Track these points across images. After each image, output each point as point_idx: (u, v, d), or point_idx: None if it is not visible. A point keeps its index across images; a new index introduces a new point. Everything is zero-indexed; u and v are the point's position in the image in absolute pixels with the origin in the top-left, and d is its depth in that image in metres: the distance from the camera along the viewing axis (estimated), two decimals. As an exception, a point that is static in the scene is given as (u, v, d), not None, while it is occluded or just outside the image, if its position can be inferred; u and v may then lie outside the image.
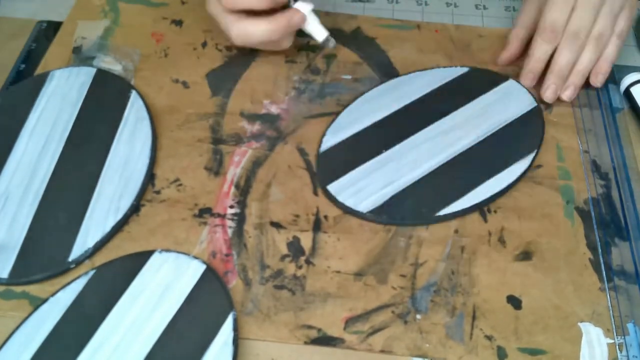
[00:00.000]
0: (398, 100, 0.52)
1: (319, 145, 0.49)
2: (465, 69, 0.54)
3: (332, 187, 0.47)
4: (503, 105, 0.52)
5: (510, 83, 0.53)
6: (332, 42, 0.52)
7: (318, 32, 0.51)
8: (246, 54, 0.56)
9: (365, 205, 0.46)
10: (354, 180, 0.47)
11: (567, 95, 0.52)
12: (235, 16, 0.50)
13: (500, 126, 0.50)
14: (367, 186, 0.47)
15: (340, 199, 0.46)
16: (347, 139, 0.50)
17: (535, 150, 0.49)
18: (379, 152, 0.49)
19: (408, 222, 0.46)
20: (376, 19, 0.59)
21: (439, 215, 0.46)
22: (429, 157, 0.48)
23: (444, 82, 0.53)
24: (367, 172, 0.48)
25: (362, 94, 0.53)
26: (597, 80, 0.53)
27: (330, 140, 0.50)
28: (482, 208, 0.47)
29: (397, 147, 0.49)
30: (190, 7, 0.60)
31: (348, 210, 0.46)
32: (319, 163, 0.49)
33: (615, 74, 0.55)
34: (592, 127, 0.52)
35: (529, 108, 0.51)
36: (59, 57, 0.55)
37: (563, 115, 0.52)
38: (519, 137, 0.50)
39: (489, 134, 0.50)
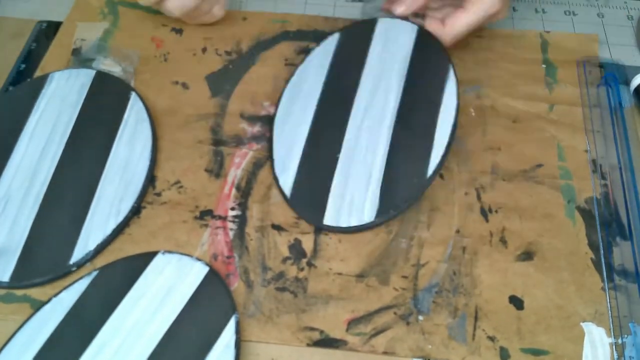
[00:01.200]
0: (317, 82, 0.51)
1: (280, 190, 0.47)
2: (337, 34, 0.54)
3: (328, 220, 0.45)
4: (395, 43, 0.52)
5: (381, 22, 0.53)
6: None
7: None
8: (246, 58, 0.56)
9: (367, 215, 0.45)
10: (338, 201, 0.46)
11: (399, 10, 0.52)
12: None
13: (408, 64, 0.50)
14: (352, 198, 0.46)
15: (343, 224, 0.45)
16: (301, 163, 0.47)
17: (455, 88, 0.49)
18: (335, 160, 0.47)
19: (407, 206, 0.46)
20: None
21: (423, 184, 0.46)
22: (377, 137, 0.47)
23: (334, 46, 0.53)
24: (342, 186, 0.46)
25: None
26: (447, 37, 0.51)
27: (285, 176, 0.47)
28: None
29: (345, 142, 0.48)
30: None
31: (355, 230, 0.45)
32: (295, 205, 0.46)
33: (626, 74, 0.55)
34: (599, 126, 0.52)
35: (415, 34, 0.52)
36: (58, 58, 0.55)
37: (563, 114, 0.52)
38: (428, 72, 0.50)
39: (405, 74, 0.50)
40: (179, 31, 0.58)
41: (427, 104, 0.48)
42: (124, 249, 0.44)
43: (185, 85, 0.54)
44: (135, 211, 0.46)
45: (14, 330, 0.40)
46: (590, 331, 0.41)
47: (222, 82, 0.54)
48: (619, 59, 0.56)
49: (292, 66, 0.55)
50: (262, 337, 0.41)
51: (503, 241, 0.45)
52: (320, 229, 0.45)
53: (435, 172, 0.46)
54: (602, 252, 0.45)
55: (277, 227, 0.45)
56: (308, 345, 0.40)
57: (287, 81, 0.52)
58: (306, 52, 0.55)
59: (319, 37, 0.56)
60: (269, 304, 0.42)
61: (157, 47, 0.56)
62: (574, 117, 0.52)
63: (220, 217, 0.46)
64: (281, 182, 0.47)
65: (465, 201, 0.47)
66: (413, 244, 0.45)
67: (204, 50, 0.56)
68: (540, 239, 0.45)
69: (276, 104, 0.51)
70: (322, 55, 0.53)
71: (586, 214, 0.47)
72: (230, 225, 0.46)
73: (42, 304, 0.41)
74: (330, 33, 0.54)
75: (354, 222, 0.45)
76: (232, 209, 0.46)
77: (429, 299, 0.42)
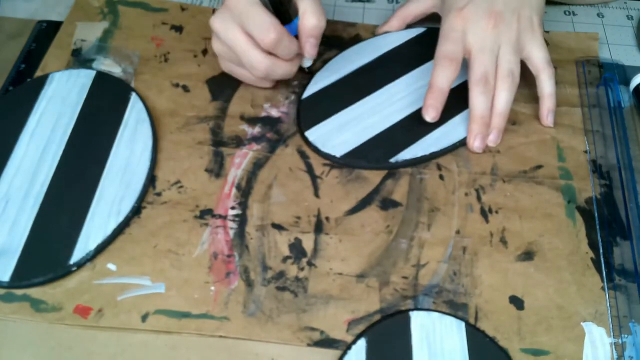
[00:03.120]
0: (373, 52, 0.56)
1: (301, 93, 0.53)
2: (426, 28, 0.58)
3: (311, 134, 0.50)
4: None
5: None
6: (311, 68, 0.55)
7: (307, 63, 0.54)
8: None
9: (339, 150, 0.49)
10: (330, 128, 0.50)
11: (491, 140, 0.50)
12: (264, 53, 0.48)
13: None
14: (342, 134, 0.50)
15: (319, 146, 0.49)
16: (327, 87, 0.53)
17: None
18: (353, 101, 0.52)
19: (369, 167, 0.49)
20: (374, 26, 0.59)
21: (393, 162, 0.49)
22: (400, 107, 0.52)
23: (412, 36, 0.58)
24: (344, 120, 0.51)
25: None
26: (548, 121, 0.51)
27: (312, 88, 0.53)
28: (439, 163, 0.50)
29: (371, 96, 0.53)
30: (190, 13, 0.59)
31: (323, 155, 0.49)
32: (300, 109, 0.52)
33: (626, 74, 0.55)
34: (598, 126, 0.52)
35: None
36: (58, 59, 0.55)
37: (563, 115, 0.52)
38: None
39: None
40: (179, 29, 0.58)
41: None
42: (125, 248, 0.44)
43: (185, 88, 0.54)
44: (136, 211, 0.46)
45: (13, 329, 0.40)
46: (590, 331, 0.41)
47: (222, 86, 0.54)
48: (619, 59, 0.56)
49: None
50: (262, 337, 0.41)
51: (503, 241, 0.45)
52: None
53: (408, 163, 0.49)
54: (602, 252, 0.45)
55: (278, 227, 0.45)
56: (308, 345, 0.40)
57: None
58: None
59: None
60: (269, 304, 0.42)
61: (157, 47, 0.56)
62: (573, 118, 0.52)
63: (220, 216, 0.46)
64: (307, 88, 0.53)
65: (465, 202, 0.47)
66: (413, 244, 0.45)
67: (204, 52, 0.56)
68: (541, 239, 0.45)
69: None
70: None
71: (586, 214, 0.47)
72: (231, 224, 0.46)
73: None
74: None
75: (326, 150, 0.49)
76: (232, 208, 0.46)
77: (429, 300, 0.42)
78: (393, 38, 0.57)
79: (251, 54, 0.48)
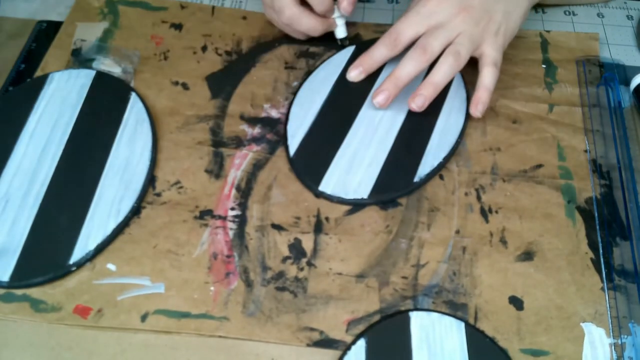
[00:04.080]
0: (332, 76, 0.54)
1: (287, 148, 0.50)
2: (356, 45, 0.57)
3: (326, 187, 0.47)
4: None
5: None
6: (347, 42, 0.56)
7: (341, 33, 0.56)
8: (246, 59, 0.56)
9: (363, 191, 0.47)
10: (338, 173, 0.48)
11: (415, 103, 0.49)
12: (295, 2, 0.52)
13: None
14: (354, 175, 0.48)
15: (342, 195, 0.47)
16: (310, 132, 0.50)
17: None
18: (342, 138, 0.50)
19: (403, 194, 0.47)
20: (375, 25, 0.59)
21: (419, 181, 0.48)
22: (386, 130, 0.50)
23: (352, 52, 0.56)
24: (345, 161, 0.49)
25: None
26: (477, 110, 0.50)
27: (294, 139, 0.50)
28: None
29: (354, 127, 0.51)
30: (190, 11, 0.59)
31: (350, 202, 0.47)
32: (295, 165, 0.49)
33: (626, 74, 0.55)
34: (598, 126, 0.52)
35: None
36: (58, 59, 0.55)
37: (563, 114, 0.52)
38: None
39: None
40: (179, 27, 0.58)
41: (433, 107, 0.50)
42: (124, 248, 0.44)
43: (185, 86, 0.54)
44: (135, 211, 0.46)
45: (13, 329, 0.40)
46: (590, 331, 0.41)
47: (222, 83, 0.54)
48: (619, 59, 0.56)
49: (292, 69, 0.55)
50: (262, 337, 0.41)
51: (503, 241, 0.45)
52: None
53: (430, 174, 0.48)
54: (602, 252, 0.45)
55: (277, 227, 0.45)
56: (308, 345, 0.40)
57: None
58: (305, 55, 0.55)
59: (319, 40, 0.56)
60: (268, 304, 0.42)
61: (156, 45, 0.56)
62: (573, 117, 0.52)
63: (220, 217, 0.46)
64: (289, 139, 0.50)
65: (465, 201, 0.47)
66: (413, 244, 0.45)
67: (204, 49, 0.56)
68: (541, 239, 0.45)
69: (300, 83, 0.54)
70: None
71: (586, 214, 0.47)
72: (230, 224, 0.46)
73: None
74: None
75: (350, 196, 0.47)
76: (232, 209, 0.46)
77: (428, 300, 0.42)
78: (340, 58, 0.55)
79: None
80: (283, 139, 0.50)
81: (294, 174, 0.48)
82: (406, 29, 0.50)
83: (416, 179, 0.47)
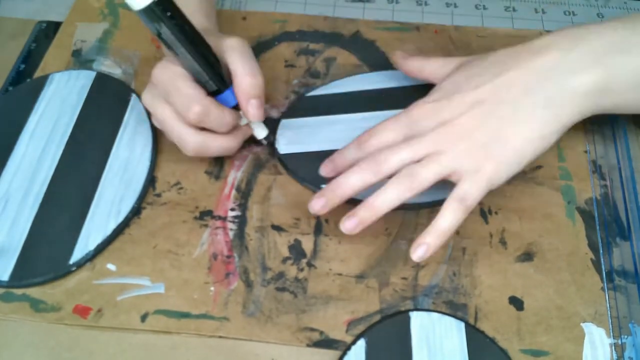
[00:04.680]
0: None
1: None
2: None
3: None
4: None
5: None
6: (271, 137, 0.49)
7: (262, 132, 0.48)
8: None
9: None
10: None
11: (346, 226, 0.42)
12: (194, 129, 0.44)
13: None
14: None
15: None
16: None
17: None
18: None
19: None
20: (375, 22, 0.59)
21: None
22: None
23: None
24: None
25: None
26: (415, 254, 0.40)
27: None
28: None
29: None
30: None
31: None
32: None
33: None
34: (598, 127, 0.52)
35: None
36: (59, 59, 0.55)
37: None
38: None
39: None
40: None
41: None
42: (124, 249, 0.44)
43: (185, 86, 0.54)
44: (136, 211, 0.46)
45: (13, 329, 0.40)
46: (590, 332, 0.41)
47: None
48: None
49: (292, 67, 0.55)
50: (262, 337, 0.41)
51: (503, 242, 0.45)
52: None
53: None
54: (602, 252, 0.45)
55: (277, 228, 0.45)
56: (308, 345, 0.40)
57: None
58: (305, 52, 0.55)
59: (319, 37, 0.56)
60: (268, 304, 0.42)
61: (157, 48, 0.56)
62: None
63: (220, 218, 0.46)
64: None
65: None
66: (413, 244, 0.45)
67: (204, 50, 0.56)
68: (540, 240, 0.45)
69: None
70: None
71: (586, 215, 0.47)
72: (230, 225, 0.46)
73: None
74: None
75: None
76: (232, 209, 0.46)
77: (428, 300, 0.42)
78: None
79: (180, 130, 0.44)
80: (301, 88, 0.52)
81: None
82: (382, 136, 0.43)
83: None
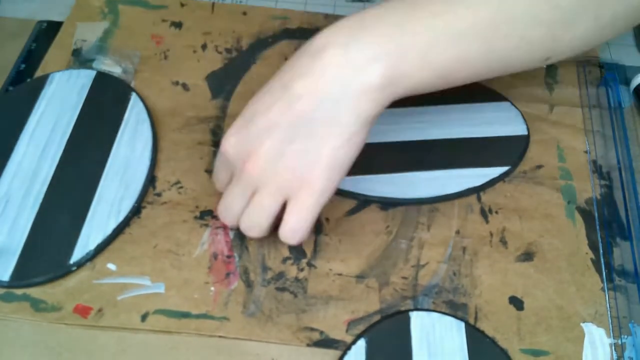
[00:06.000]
0: None
1: None
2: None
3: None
4: (496, 120, 0.51)
5: (507, 105, 0.53)
6: None
7: None
8: (246, 57, 0.56)
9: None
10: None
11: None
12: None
13: (484, 135, 0.50)
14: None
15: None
16: None
17: (509, 167, 0.48)
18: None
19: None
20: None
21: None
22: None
23: None
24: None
25: None
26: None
27: None
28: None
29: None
30: (190, 9, 0.59)
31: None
32: None
33: (626, 74, 0.55)
34: (599, 127, 0.52)
35: (518, 133, 0.51)
36: (59, 59, 0.55)
37: (564, 115, 0.52)
38: (498, 150, 0.49)
39: (471, 135, 0.50)
40: (179, 25, 0.58)
41: None
42: (125, 248, 0.44)
43: (185, 87, 0.54)
44: (136, 211, 0.46)
45: (13, 329, 0.40)
46: (590, 332, 0.41)
47: (222, 83, 0.54)
48: (619, 59, 0.56)
49: (292, 67, 0.55)
50: (262, 337, 0.41)
51: (503, 242, 0.45)
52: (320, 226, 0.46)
53: None
54: (602, 252, 0.45)
55: (278, 227, 0.45)
56: (308, 345, 0.40)
57: None
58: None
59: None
60: (269, 304, 0.42)
61: (157, 45, 0.56)
62: (574, 118, 0.52)
63: (220, 217, 0.46)
64: None
65: (465, 202, 0.47)
66: (413, 244, 0.45)
67: (204, 47, 0.56)
68: (541, 240, 0.45)
69: None
70: None
71: (586, 215, 0.47)
72: (231, 225, 0.46)
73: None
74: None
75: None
76: (232, 209, 0.46)
77: (429, 300, 0.42)
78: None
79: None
80: None
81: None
82: (220, 184, 0.43)
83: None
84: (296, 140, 0.37)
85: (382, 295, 0.43)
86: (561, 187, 0.48)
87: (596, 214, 0.47)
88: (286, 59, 0.55)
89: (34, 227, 0.44)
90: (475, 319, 0.42)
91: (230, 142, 0.39)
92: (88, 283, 0.43)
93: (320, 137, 0.37)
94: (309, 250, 0.44)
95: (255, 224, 0.40)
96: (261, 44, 0.57)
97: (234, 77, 0.54)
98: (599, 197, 0.48)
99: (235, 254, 0.44)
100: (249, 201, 0.40)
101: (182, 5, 0.60)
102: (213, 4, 0.60)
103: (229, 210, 0.41)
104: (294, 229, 0.39)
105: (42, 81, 0.52)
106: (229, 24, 0.58)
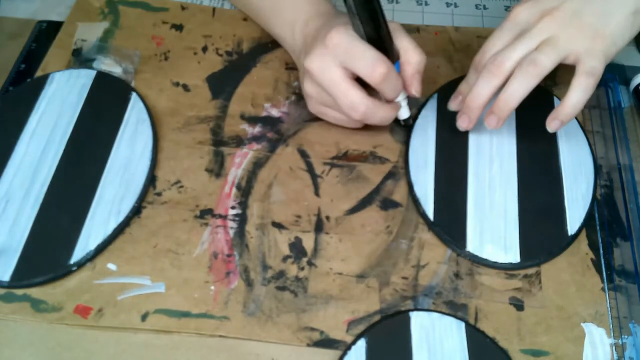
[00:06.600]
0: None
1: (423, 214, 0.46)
2: None
3: (470, 247, 0.44)
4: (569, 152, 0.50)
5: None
6: (410, 120, 0.51)
7: (405, 113, 0.50)
8: (247, 59, 0.56)
9: (511, 256, 0.44)
10: (478, 229, 0.45)
11: (489, 124, 0.46)
12: (365, 93, 0.45)
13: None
14: (491, 233, 0.45)
15: (487, 257, 0.44)
16: (436, 191, 0.47)
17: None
18: (465, 183, 0.47)
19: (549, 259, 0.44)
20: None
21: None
22: (507, 175, 0.48)
23: None
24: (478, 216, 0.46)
25: None
26: (550, 126, 0.45)
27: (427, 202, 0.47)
28: None
29: (471, 161, 0.49)
30: (191, 12, 0.59)
31: (501, 267, 0.44)
32: (437, 229, 0.45)
33: (625, 74, 0.55)
34: (598, 127, 0.52)
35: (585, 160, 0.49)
36: (59, 59, 0.55)
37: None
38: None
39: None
40: (179, 27, 0.58)
41: (545, 154, 0.49)
42: (125, 248, 0.44)
43: (185, 87, 0.54)
44: (136, 211, 0.46)
45: (14, 329, 0.40)
46: (590, 332, 0.41)
47: (222, 84, 0.54)
48: (619, 59, 0.56)
49: (293, 70, 0.55)
50: (262, 336, 0.41)
51: (503, 242, 0.45)
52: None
53: (580, 228, 0.45)
54: (602, 252, 0.45)
55: (278, 225, 0.45)
56: (308, 345, 0.40)
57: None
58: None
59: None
60: (269, 303, 0.42)
61: (157, 45, 0.56)
62: (575, 119, 0.52)
63: (220, 216, 0.46)
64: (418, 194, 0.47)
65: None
66: (413, 245, 0.45)
67: (205, 49, 0.56)
68: (541, 240, 0.45)
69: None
70: None
71: (587, 215, 0.46)
72: (231, 223, 0.46)
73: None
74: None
75: (500, 260, 0.44)
76: (233, 207, 0.46)
77: (429, 300, 0.42)
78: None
79: (352, 94, 0.45)
80: (415, 204, 0.47)
81: (436, 236, 0.45)
82: (492, 48, 0.46)
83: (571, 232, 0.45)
84: (594, 2, 0.44)
85: (382, 295, 0.43)
86: (561, 187, 0.48)
87: (596, 214, 0.47)
88: (287, 63, 0.55)
89: (34, 227, 0.44)
90: (476, 319, 0.42)
91: (525, 5, 0.46)
92: (88, 283, 0.43)
93: (614, 4, 0.45)
94: (309, 249, 0.44)
95: (533, 72, 0.43)
96: (261, 48, 0.57)
97: (234, 79, 0.54)
98: (598, 197, 0.48)
99: (236, 253, 0.44)
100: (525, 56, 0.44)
101: (183, 8, 0.60)
102: (214, 8, 0.60)
103: (501, 62, 0.44)
104: (592, 71, 0.43)
105: (42, 81, 0.52)
106: (230, 29, 0.58)
